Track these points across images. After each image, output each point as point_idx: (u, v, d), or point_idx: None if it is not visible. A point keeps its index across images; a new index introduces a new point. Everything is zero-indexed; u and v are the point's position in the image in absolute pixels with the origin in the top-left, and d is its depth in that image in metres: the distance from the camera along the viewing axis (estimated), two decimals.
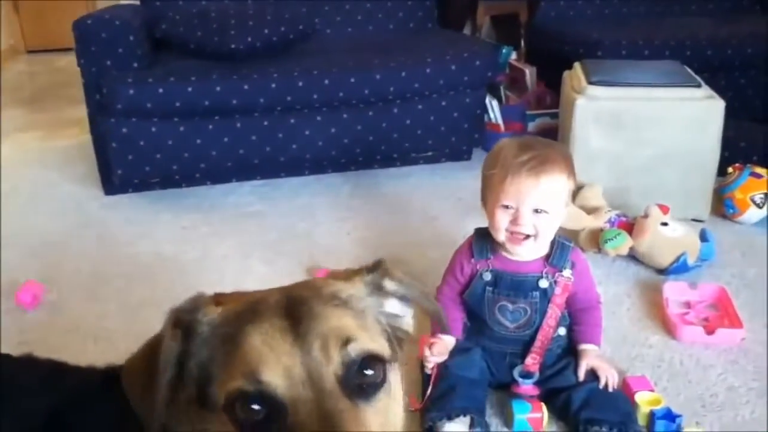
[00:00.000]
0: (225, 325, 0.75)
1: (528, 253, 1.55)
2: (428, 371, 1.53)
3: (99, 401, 0.86)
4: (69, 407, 0.92)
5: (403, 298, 0.87)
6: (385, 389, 0.75)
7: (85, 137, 2.96)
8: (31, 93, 5.13)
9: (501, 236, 1.52)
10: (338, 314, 0.76)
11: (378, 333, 0.80)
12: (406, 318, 0.89)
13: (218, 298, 0.80)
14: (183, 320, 0.76)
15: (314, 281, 0.84)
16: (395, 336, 0.84)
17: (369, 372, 0.73)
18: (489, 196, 1.55)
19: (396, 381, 0.78)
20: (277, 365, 0.69)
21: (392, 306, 0.87)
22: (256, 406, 0.68)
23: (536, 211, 1.48)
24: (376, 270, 0.85)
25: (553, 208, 1.49)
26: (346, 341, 0.72)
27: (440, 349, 1.53)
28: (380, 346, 0.77)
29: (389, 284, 0.85)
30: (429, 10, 3.45)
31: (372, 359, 0.74)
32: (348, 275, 0.84)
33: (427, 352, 1.52)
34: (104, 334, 1.87)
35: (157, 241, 2.44)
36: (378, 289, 0.84)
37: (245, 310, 0.75)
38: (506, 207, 1.50)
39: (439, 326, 1.59)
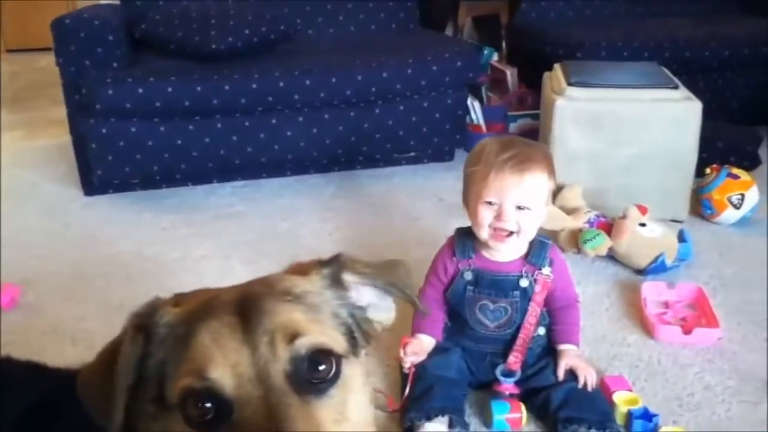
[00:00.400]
0: (179, 325, 0.76)
1: (510, 250, 1.56)
2: (405, 371, 1.54)
3: (75, 401, 0.86)
4: (46, 406, 0.93)
5: (376, 287, 0.87)
6: (339, 384, 0.74)
7: (65, 137, 2.93)
8: (11, 93, 5.07)
9: (484, 234, 1.53)
10: (288, 309, 0.75)
11: (333, 327, 0.79)
12: (384, 307, 0.88)
13: (178, 299, 0.81)
14: (143, 324, 0.76)
15: (272, 277, 0.84)
16: (361, 330, 0.84)
17: (321, 367, 0.73)
18: (471, 193, 1.56)
19: (355, 375, 0.77)
20: (224, 363, 0.69)
21: (364, 296, 0.86)
22: (206, 404, 0.69)
23: (519, 207, 1.49)
24: (332, 263, 0.85)
25: (536, 205, 1.51)
26: (294, 336, 0.72)
27: (415, 348, 1.54)
28: (332, 339, 0.76)
29: (349, 277, 0.85)
30: (410, 10, 3.46)
31: (323, 353, 0.73)
32: (304, 269, 0.84)
33: (402, 352, 1.53)
34: (83, 336, 1.86)
35: (138, 242, 2.43)
36: (337, 282, 0.84)
37: (198, 309, 0.76)
38: (489, 203, 1.51)
39: (417, 326, 1.60)
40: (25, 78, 5.61)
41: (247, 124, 2.72)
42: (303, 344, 0.72)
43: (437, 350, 1.58)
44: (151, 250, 2.36)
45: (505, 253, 1.56)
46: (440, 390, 1.50)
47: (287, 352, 0.71)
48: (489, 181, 1.49)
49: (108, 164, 2.65)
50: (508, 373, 1.56)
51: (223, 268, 2.24)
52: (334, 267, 0.85)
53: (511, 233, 1.51)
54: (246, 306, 0.75)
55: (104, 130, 2.59)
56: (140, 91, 2.53)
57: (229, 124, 2.70)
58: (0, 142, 3.71)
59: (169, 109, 2.59)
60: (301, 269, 0.85)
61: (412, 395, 1.51)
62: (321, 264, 0.85)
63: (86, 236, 2.50)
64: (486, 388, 1.59)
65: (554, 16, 3.63)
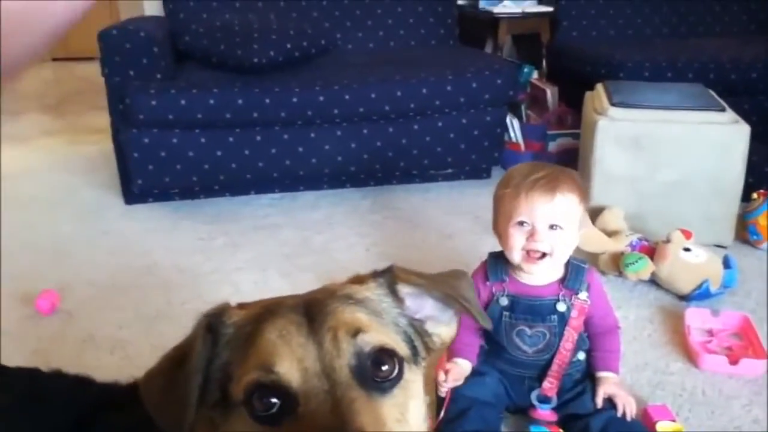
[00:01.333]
0: (246, 325, 0.77)
1: (544, 273, 1.53)
2: (441, 394, 1.51)
3: (123, 412, 0.87)
4: (94, 418, 0.94)
5: (435, 300, 0.87)
6: (401, 386, 0.75)
7: (107, 145, 2.99)
8: (55, 100, 5.20)
9: (516, 257, 1.50)
10: (351, 309, 0.77)
11: (394, 332, 0.80)
12: (444, 320, 0.88)
13: (242, 305, 0.82)
14: (212, 324, 0.78)
15: (332, 285, 0.85)
16: (422, 341, 0.85)
17: (384, 367, 0.74)
18: (501, 215, 1.54)
19: (416, 382, 0.78)
20: (291, 357, 0.71)
21: (423, 308, 0.87)
22: (272, 399, 0.70)
23: (551, 227, 1.47)
24: (386, 274, 0.86)
25: (568, 225, 1.48)
26: (357, 332, 0.74)
27: (455, 375, 1.51)
28: (395, 342, 0.77)
29: (403, 288, 0.86)
30: (450, 27, 3.46)
31: (386, 353, 0.74)
32: (361, 279, 0.86)
33: (441, 377, 1.50)
34: (120, 345, 1.87)
35: (175, 252, 2.45)
36: (393, 293, 0.85)
37: (264, 311, 0.78)
38: (521, 224, 1.48)
39: (454, 350, 1.57)
40: (68, 85, 5.75)
41: (285, 137, 2.74)
42: (366, 341, 0.73)
43: (474, 373, 1.55)
44: (188, 261, 2.38)
45: (539, 276, 1.53)
46: (475, 413, 1.47)
47: (351, 347, 0.72)
48: (520, 202, 1.47)
49: (148, 174, 2.68)
50: (544, 399, 1.53)
51: (258, 280, 2.24)
52: (389, 277, 0.85)
53: (543, 255, 1.48)
54: (311, 307, 0.76)
55: (146, 140, 2.63)
56: (182, 102, 2.56)
57: (268, 137, 2.72)
58: (44, 146, 3.80)
59: (211, 121, 2.62)
60: (358, 280, 0.86)
61: (446, 418, 1.48)
62: (376, 274, 0.86)
63: (124, 244, 2.53)
64: (524, 413, 1.55)
65: (595, 35, 3.60)
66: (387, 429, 0.70)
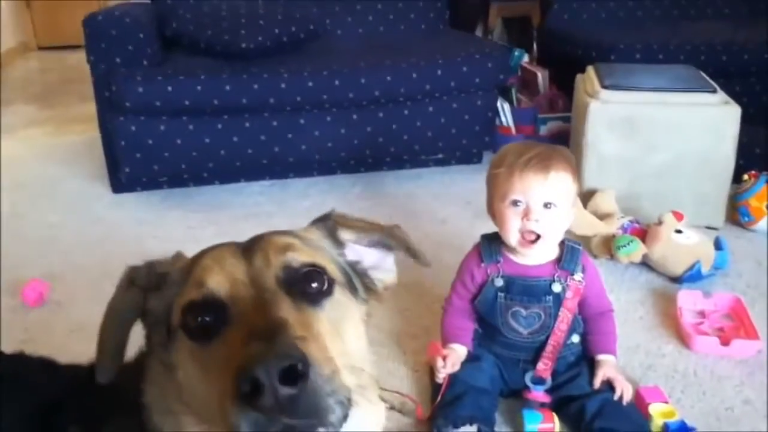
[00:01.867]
0: (188, 264, 0.83)
1: (539, 254, 1.52)
2: (439, 380, 1.51)
3: (91, 392, 0.89)
4: (59, 402, 0.96)
5: (372, 245, 0.92)
6: (332, 301, 0.78)
7: (94, 134, 2.95)
8: (42, 89, 5.14)
9: (512, 239, 1.50)
10: (286, 237, 0.83)
11: (328, 260, 0.84)
12: (385, 267, 0.93)
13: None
14: (137, 275, 0.86)
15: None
16: (361, 281, 0.89)
17: (313, 284, 0.77)
18: (496, 196, 1.53)
19: (350, 305, 0.82)
20: (220, 272, 0.76)
21: (364, 257, 0.92)
22: (206, 317, 0.73)
23: (546, 205, 1.46)
24: (326, 220, 0.91)
25: (562, 203, 1.48)
26: (286, 249, 0.79)
27: (453, 360, 1.51)
28: (325, 263, 0.81)
29: (344, 234, 0.90)
30: (440, 11, 3.43)
31: (315, 272, 0.78)
32: (303, 229, 0.91)
33: (440, 364, 1.49)
34: None
35: (164, 240, 2.42)
36: (334, 238, 0.89)
37: (206, 248, 0.84)
38: (515, 203, 1.48)
39: (448, 335, 1.57)
40: (55, 75, 5.69)
41: (275, 123, 2.71)
42: (295, 257, 0.78)
43: (469, 358, 1.55)
44: (178, 249, 2.35)
45: (535, 256, 1.53)
46: (470, 398, 1.47)
47: (280, 262, 0.77)
48: (514, 181, 1.47)
49: (136, 162, 2.65)
50: (538, 381, 1.53)
51: None
52: (329, 223, 0.90)
53: (538, 237, 1.47)
54: (248, 242, 0.83)
55: (133, 128, 2.59)
56: (170, 89, 2.53)
57: (257, 124, 2.69)
58: (30, 137, 3.76)
59: (198, 108, 2.59)
60: (301, 229, 0.91)
61: (442, 402, 1.48)
62: (317, 220, 0.92)
63: (113, 234, 2.51)
64: (517, 396, 1.55)
65: (587, 17, 3.58)
66: (313, 331, 0.72)
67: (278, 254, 0.78)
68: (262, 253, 0.78)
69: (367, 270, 0.91)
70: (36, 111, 4.43)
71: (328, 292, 0.78)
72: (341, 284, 0.82)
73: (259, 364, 0.61)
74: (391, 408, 1.49)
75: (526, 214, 1.46)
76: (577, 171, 1.55)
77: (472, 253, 1.60)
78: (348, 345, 0.77)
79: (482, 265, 1.55)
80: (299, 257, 0.78)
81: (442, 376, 1.50)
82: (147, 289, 0.84)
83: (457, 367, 1.51)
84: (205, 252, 0.82)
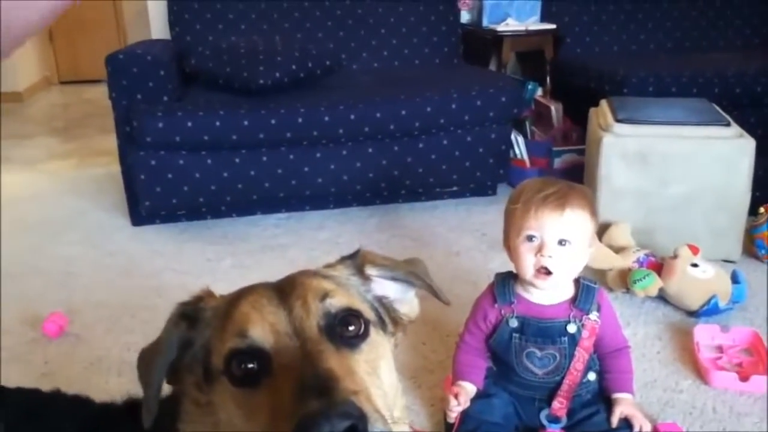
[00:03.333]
0: (222, 306, 0.84)
1: (553, 292, 1.51)
2: (450, 420, 1.50)
3: (121, 428, 0.91)
4: None
5: (395, 280, 0.94)
6: (369, 343, 0.80)
7: (114, 167, 3.01)
8: (63, 123, 5.24)
9: (527, 273, 1.49)
10: (318, 280, 0.84)
11: (360, 300, 0.86)
12: (407, 300, 0.95)
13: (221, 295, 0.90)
14: (186, 312, 0.85)
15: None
16: (389, 316, 0.91)
17: (351, 327, 0.79)
18: (512, 231, 1.53)
19: (384, 343, 0.85)
20: (262, 322, 0.77)
21: (387, 290, 0.94)
22: (249, 364, 0.75)
23: (560, 242, 1.46)
24: (354, 257, 0.94)
25: (577, 241, 1.47)
26: (324, 296, 0.80)
27: (466, 398, 1.51)
28: (360, 305, 0.84)
29: (370, 270, 0.92)
30: (454, 45, 3.49)
31: (352, 315, 0.80)
32: (331, 264, 0.93)
33: (453, 403, 1.49)
34: (127, 368, 1.86)
35: (183, 273, 2.45)
36: (361, 274, 0.92)
37: (239, 292, 0.85)
38: (530, 238, 1.47)
39: (460, 372, 1.56)
40: (76, 109, 5.80)
41: (291, 157, 2.75)
42: (333, 303, 0.79)
43: (483, 395, 1.54)
44: (196, 282, 2.35)
45: (549, 294, 1.52)
46: None
47: (319, 310, 0.78)
48: (530, 217, 1.47)
49: (156, 195, 2.70)
50: (554, 419, 1.52)
51: None
52: (357, 260, 0.93)
53: (550, 271, 1.47)
54: (281, 284, 0.84)
55: (153, 162, 2.64)
56: (189, 124, 2.58)
57: (274, 157, 2.74)
58: (52, 170, 3.83)
59: (217, 142, 2.64)
60: (328, 265, 0.93)
61: None
62: (345, 258, 0.94)
63: (132, 266, 2.54)
64: None
65: (599, 51, 3.62)
66: (358, 378, 0.74)
67: (317, 300, 0.79)
68: (301, 300, 0.79)
69: (393, 303, 0.94)
70: (58, 144, 4.52)
71: (365, 335, 0.80)
72: (374, 323, 0.84)
73: (321, 423, 0.63)
74: None
75: (540, 250, 1.46)
76: (595, 210, 1.54)
77: (486, 293, 1.59)
78: (384, 381, 0.80)
79: (496, 305, 1.55)
80: (337, 302, 0.80)
81: (453, 415, 1.49)
82: (194, 322, 0.85)
83: (467, 405, 1.50)
84: (240, 296, 0.83)
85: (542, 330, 1.51)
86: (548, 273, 1.46)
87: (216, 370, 0.78)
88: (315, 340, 0.75)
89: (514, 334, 1.52)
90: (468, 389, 1.53)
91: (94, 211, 3.11)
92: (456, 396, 1.50)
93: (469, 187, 3.11)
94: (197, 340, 0.83)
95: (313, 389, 0.67)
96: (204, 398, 0.81)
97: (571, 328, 1.50)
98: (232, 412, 0.76)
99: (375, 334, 0.82)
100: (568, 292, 1.53)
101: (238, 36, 3.12)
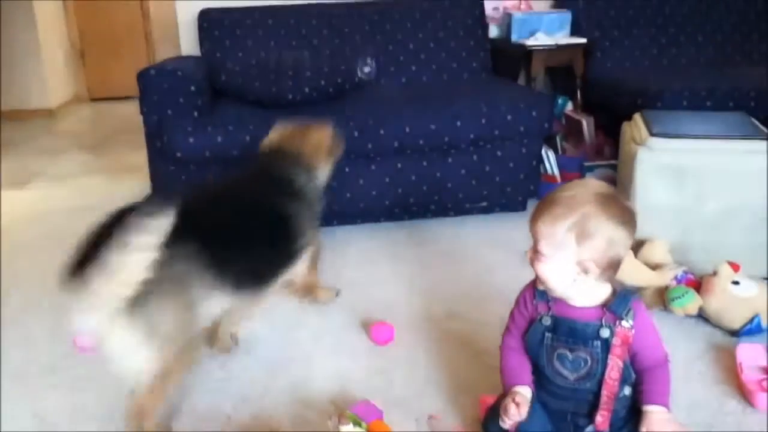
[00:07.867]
0: None
1: (583, 295, 1.47)
2: (506, 426, 1.47)
3: None
4: None
5: None
6: None
7: (145, 182, 3.02)
8: (94, 140, 5.32)
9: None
10: None
11: None
12: None
13: None
14: None
15: None
16: None
17: None
18: None
19: None
20: None
21: None
22: None
23: (538, 251, 1.42)
24: None
25: (549, 253, 1.40)
26: None
27: (525, 406, 1.47)
28: None
29: None
30: (483, 60, 3.47)
31: None
32: None
33: (513, 410, 1.45)
34: None
35: None
36: None
37: None
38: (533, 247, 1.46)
39: (510, 378, 1.53)
40: (106, 125, 5.89)
41: None
42: None
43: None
44: None
45: (583, 297, 1.48)
46: None
47: None
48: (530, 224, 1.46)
49: None
50: None
51: (294, 319, 2.22)
52: None
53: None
54: None
55: (183, 177, 2.65)
56: (219, 139, 2.59)
57: None
58: (85, 185, 3.87)
59: (246, 158, 2.63)
60: None
61: None
62: None
63: None
64: None
65: (630, 65, 3.58)
66: None
67: None
68: None
69: None
70: (89, 159, 4.58)
71: None
72: None
73: None
74: None
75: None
76: (584, 222, 1.39)
77: (528, 287, 1.57)
78: None
79: (534, 301, 1.53)
80: None
81: (510, 423, 1.46)
82: None
83: (525, 413, 1.47)
84: None
85: (573, 331, 1.47)
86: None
87: None
88: None
89: (546, 334, 1.49)
90: (525, 394, 1.49)
91: None
92: (518, 406, 1.46)
93: (499, 202, 3.08)
94: None
95: None
96: None
97: (604, 333, 1.45)
98: None
99: None
100: (602, 295, 1.49)
101: (266, 52, 3.14)
